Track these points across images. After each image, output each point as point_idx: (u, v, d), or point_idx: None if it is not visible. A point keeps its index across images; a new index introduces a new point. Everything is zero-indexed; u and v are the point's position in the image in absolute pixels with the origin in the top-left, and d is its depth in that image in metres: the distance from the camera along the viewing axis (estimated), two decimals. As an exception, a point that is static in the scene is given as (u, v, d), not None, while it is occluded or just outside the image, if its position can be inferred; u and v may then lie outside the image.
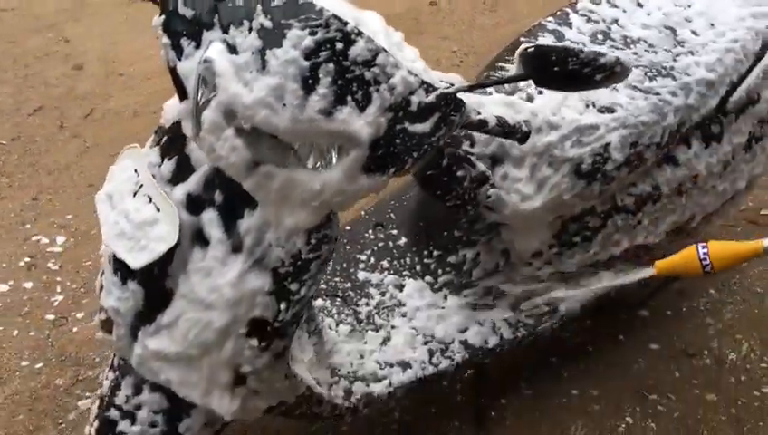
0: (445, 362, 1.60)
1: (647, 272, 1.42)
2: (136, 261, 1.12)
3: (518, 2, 3.85)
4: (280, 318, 1.16)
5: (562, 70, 1.01)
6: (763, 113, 1.62)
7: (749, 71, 1.54)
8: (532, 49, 1.03)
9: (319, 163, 1.06)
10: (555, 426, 1.79)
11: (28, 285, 2.30)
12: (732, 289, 2.10)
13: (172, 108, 1.23)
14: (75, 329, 2.15)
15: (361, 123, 1.01)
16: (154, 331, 1.21)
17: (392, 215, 1.88)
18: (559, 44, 1.20)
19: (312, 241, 1.12)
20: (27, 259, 2.40)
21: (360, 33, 1.01)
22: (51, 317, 2.19)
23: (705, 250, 1.22)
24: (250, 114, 0.99)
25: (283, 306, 1.15)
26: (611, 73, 1.02)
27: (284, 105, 0.98)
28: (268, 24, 1.00)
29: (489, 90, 1.48)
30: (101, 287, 1.26)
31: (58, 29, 3.88)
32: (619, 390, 1.86)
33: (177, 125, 1.18)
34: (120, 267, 1.19)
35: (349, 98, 1.00)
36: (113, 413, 1.32)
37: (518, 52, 1.05)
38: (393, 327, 1.66)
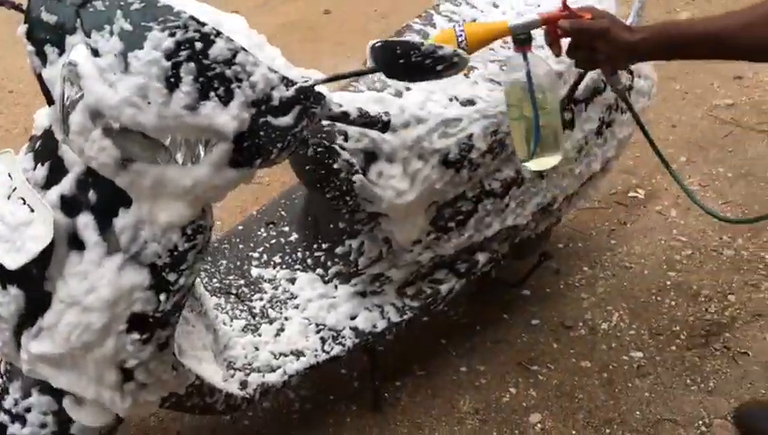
0: (337, 349, 1.68)
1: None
2: (13, 262, 1.15)
3: (408, 9, 3.99)
4: (160, 309, 1.21)
5: (407, 62, 1.12)
6: (611, 100, 1.78)
7: (593, 62, 1.70)
8: (380, 44, 1.13)
9: (188, 158, 1.12)
10: (446, 402, 1.90)
11: None
12: (604, 265, 2.28)
13: (43, 115, 1.27)
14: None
15: (225, 118, 1.08)
16: (35, 334, 1.24)
17: (283, 213, 1.95)
18: (402, 39, 1.30)
19: (187, 233, 1.18)
20: None
21: (218, 34, 1.08)
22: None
23: (462, 29, 1.34)
24: (116, 114, 1.05)
25: (162, 298, 1.20)
26: (450, 64, 1.13)
27: (149, 103, 1.04)
28: (128, 27, 1.06)
29: (362, 87, 1.58)
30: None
31: (-60, 48, 3.77)
32: (504, 364, 1.99)
33: (49, 131, 1.22)
34: (0, 272, 1.21)
35: (212, 94, 1.07)
36: (3, 417, 1.34)
37: (368, 46, 1.15)
38: (286, 319, 1.73)
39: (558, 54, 1.34)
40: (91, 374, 1.25)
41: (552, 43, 1.32)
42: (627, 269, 2.26)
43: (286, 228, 1.92)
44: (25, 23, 1.14)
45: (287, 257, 1.86)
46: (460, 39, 1.33)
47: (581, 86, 1.67)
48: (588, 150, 1.79)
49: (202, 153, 1.11)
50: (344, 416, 1.87)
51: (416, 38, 1.66)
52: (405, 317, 1.75)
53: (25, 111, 3.26)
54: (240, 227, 1.93)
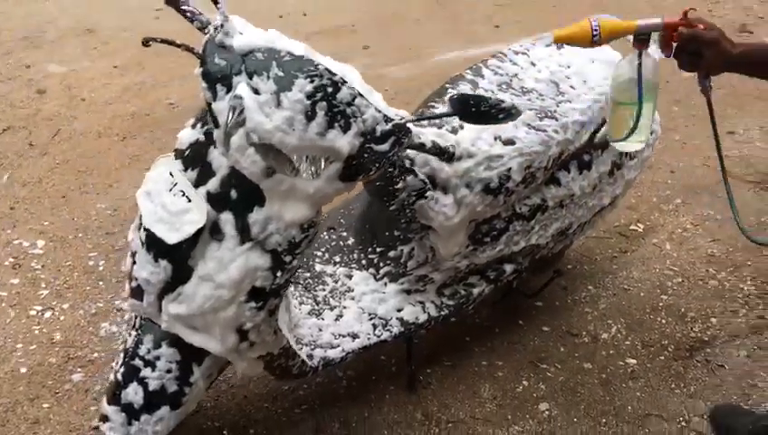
0: (385, 334, 2.04)
1: (547, 39, 1.69)
2: (172, 238, 1.52)
3: (435, 46, 4.42)
4: (275, 283, 1.58)
5: (477, 110, 1.50)
6: (622, 147, 2.17)
7: (610, 116, 2.09)
8: (458, 96, 1.52)
9: (311, 172, 1.49)
10: (469, 388, 2.26)
11: (15, 281, 2.61)
12: (606, 286, 2.65)
13: (186, 135, 1.63)
14: (62, 317, 2.48)
15: (343, 142, 1.46)
16: (174, 298, 1.60)
17: (342, 220, 2.33)
18: (475, 93, 1.68)
19: (304, 227, 1.55)
20: (11, 259, 2.71)
21: (344, 82, 1.47)
22: (39, 308, 2.51)
23: (597, 24, 1.49)
24: (269, 136, 1.42)
25: (278, 274, 1.57)
26: (508, 114, 1.52)
27: (293, 130, 1.42)
28: (281, 73, 1.45)
29: (425, 124, 1.96)
30: (133, 263, 1.65)
31: (18, 55, 4.17)
32: (519, 361, 2.35)
33: (196, 144, 1.59)
34: (154, 248, 1.58)
35: (336, 125, 1.46)
36: (137, 362, 1.70)
37: (448, 97, 1.53)
38: (344, 307, 2.09)
39: (668, 56, 1.53)
40: (216, 335, 1.61)
41: (665, 44, 1.51)
42: (625, 290, 2.64)
43: (344, 233, 2.30)
44: (201, 66, 1.52)
45: (345, 257, 2.23)
46: (595, 32, 1.50)
47: (599, 134, 2.05)
48: (600, 187, 2.18)
49: (323, 165, 1.48)
50: (384, 393, 2.23)
51: (468, 86, 2.06)
52: (442, 313, 2.11)
53: (97, 117, 3.65)
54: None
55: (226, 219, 1.54)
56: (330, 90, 1.45)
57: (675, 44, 1.50)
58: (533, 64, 2.15)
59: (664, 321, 2.51)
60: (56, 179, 3.17)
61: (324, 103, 1.45)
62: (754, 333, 2.43)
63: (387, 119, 1.52)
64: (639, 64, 1.54)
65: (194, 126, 1.63)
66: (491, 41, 4.43)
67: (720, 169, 1.63)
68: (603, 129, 2.06)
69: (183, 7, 1.60)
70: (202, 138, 1.59)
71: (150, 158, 3.30)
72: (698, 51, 1.45)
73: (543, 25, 2.35)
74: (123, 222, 2.91)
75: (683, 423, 2.14)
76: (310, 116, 1.44)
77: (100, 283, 2.64)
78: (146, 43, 1.58)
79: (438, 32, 4.69)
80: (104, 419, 1.72)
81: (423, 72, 4.10)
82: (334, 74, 1.47)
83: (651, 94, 1.59)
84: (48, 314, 2.49)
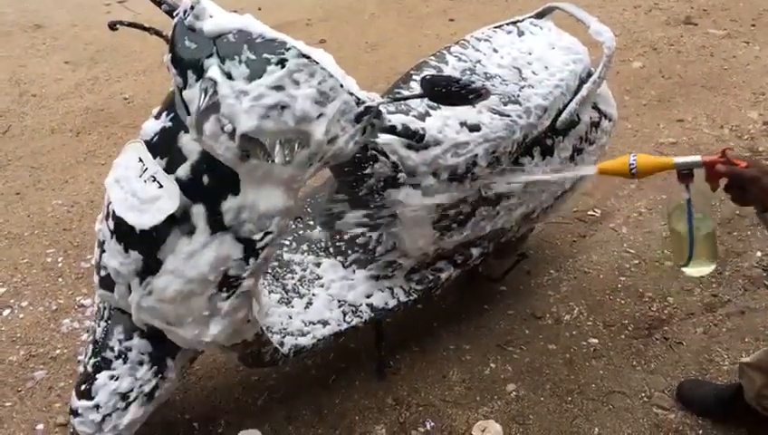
0: (355, 320, 2.06)
1: (590, 170, 1.69)
2: (145, 223, 1.50)
3: (394, 43, 4.45)
4: (248, 271, 1.57)
5: (448, 91, 1.52)
6: (582, 132, 2.22)
7: (570, 101, 2.14)
8: (429, 77, 1.54)
9: (285, 157, 1.48)
10: (438, 372, 2.29)
11: (-30, 280, 2.54)
12: (567, 269, 2.72)
13: (150, 125, 1.60)
14: (21, 315, 2.42)
15: (317, 127, 1.46)
16: (145, 291, 1.57)
17: (308, 209, 2.34)
18: (445, 74, 1.70)
19: (279, 215, 1.55)
20: (-35, 258, 2.63)
21: (317, 65, 1.47)
22: (-3, 306, 2.45)
23: (635, 159, 1.52)
24: (243, 123, 1.41)
25: (251, 261, 1.57)
26: (479, 95, 1.54)
27: (268, 116, 1.41)
28: (253, 57, 1.44)
29: (393, 110, 1.97)
30: (102, 252, 1.62)
31: (-37, 50, 4.04)
32: (486, 344, 2.39)
33: (163, 132, 1.56)
34: (124, 238, 1.55)
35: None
36: (108, 354, 1.67)
37: (419, 78, 1.55)
38: (314, 295, 2.09)
39: (714, 190, 1.51)
40: (188, 324, 1.60)
41: (711, 180, 1.49)
42: (585, 273, 2.71)
43: (311, 222, 2.30)
44: (170, 51, 1.50)
45: (312, 245, 2.24)
46: (632, 166, 1.52)
47: (561, 118, 2.10)
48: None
49: (296, 149, 1.48)
50: (354, 380, 2.25)
51: (432, 71, 2.08)
52: (411, 298, 2.14)
53: (49, 113, 3.56)
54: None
55: (198, 212, 1.51)
56: (303, 73, 1.45)
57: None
58: (496, 51, 2.18)
59: (623, 301, 2.58)
60: (9, 176, 3.08)
61: (298, 87, 1.44)
62: (709, 310, 2.52)
63: (359, 101, 1.53)
64: (689, 200, 1.53)
65: (158, 116, 1.61)
66: (445, 34, 4.48)
67: None
68: (563, 115, 2.11)
69: None
70: (169, 124, 1.56)
71: (106, 153, 3.27)
72: (743, 187, 1.44)
73: (496, 18, 2.39)
74: (81, 218, 2.85)
75: (645, 399, 2.21)
76: (284, 101, 1.43)
77: (60, 279, 2.58)
78: (113, 26, 1.55)
79: (393, 25, 4.72)
80: (74, 413, 1.69)
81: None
82: (308, 57, 1.47)
83: (706, 222, 1.58)
84: (7, 312, 2.43)
